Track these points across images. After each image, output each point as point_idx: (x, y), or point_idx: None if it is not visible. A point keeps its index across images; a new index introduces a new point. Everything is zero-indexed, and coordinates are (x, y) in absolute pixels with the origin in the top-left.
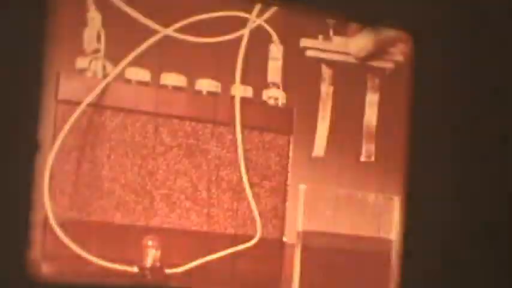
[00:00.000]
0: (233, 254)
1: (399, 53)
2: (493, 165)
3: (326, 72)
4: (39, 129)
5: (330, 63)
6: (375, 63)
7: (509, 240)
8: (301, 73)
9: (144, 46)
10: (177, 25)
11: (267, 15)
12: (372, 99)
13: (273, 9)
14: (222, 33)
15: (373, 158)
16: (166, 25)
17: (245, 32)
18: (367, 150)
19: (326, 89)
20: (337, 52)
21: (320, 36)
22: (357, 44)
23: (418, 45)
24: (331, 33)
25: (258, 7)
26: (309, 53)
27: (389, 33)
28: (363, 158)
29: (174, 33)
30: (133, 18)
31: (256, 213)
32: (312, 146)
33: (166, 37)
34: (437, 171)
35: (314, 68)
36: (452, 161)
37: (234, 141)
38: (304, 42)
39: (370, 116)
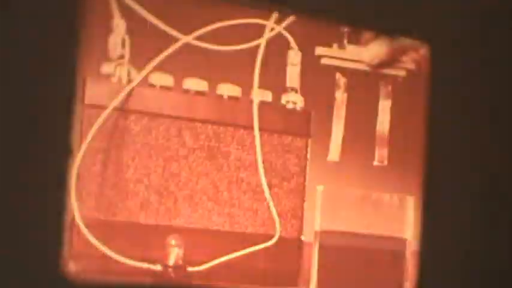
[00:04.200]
0: (253, 252)
1: (411, 61)
2: (510, 165)
3: (340, 79)
4: (71, 134)
5: (344, 71)
6: (388, 71)
7: None
8: (317, 79)
9: (166, 53)
10: (197, 33)
11: (285, 23)
12: (384, 105)
13: (290, 18)
14: (242, 40)
15: (385, 163)
16: (188, 32)
17: (262, 40)
18: (380, 155)
19: (340, 96)
20: (351, 60)
21: (334, 45)
22: (370, 52)
23: (435, 53)
24: (345, 42)
25: (274, 15)
26: (324, 61)
27: (403, 41)
28: (376, 163)
29: (194, 40)
30: (155, 26)
31: (274, 213)
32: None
33: (188, 44)
34: (452, 171)
35: (330, 75)
36: (468, 161)
37: (254, 144)
38: (319, 50)
39: (383, 122)
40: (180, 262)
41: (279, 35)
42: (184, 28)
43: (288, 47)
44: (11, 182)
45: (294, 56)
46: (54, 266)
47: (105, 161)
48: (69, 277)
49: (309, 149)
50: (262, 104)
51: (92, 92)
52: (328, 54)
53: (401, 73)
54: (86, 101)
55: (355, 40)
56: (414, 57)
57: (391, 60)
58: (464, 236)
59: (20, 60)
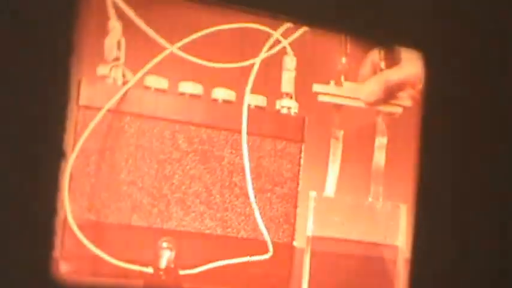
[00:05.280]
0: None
1: (408, 97)
2: (504, 180)
3: (336, 116)
4: (64, 137)
5: (341, 108)
6: (384, 108)
7: None
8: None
9: (161, 56)
10: (186, 40)
11: (289, 40)
12: (380, 142)
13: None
14: (240, 45)
15: (381, 200)
16: (182, 37)
17: (258, 60)
18: (375, 192)
19: (336, 133)
20: (348, 97)
21: (332, 82)
22: (366, 89)
23: (430, 65)
24: (342, 78)
25: (280, 31)
26: (321, 98)
27: (399, 76)
28: (370, 199)
29: (178, 51)
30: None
31: (259, 219)
32: (323, 154)
33: (184, 46)
34: (445, 180)
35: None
36: (461, 173)
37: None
38: (316, 87)
39: (379, 158)
40: (172, 265)
41: (276, 42)
42: (182, 32)
43: (283, 52)
44: (3, 182)
45: (290, 62)
46: (45, 267)
47: (98, 162)
48: (60, 278)
49: (302, 155)
50: (257, 109)
51: (86, 93)
52: (325, 91)
53: (398, 110)
54: (81, 102)
55: (351, 77)
56: (411, 93)
57: (387, 97)
58: (455, 243)
59: (15, 61)
